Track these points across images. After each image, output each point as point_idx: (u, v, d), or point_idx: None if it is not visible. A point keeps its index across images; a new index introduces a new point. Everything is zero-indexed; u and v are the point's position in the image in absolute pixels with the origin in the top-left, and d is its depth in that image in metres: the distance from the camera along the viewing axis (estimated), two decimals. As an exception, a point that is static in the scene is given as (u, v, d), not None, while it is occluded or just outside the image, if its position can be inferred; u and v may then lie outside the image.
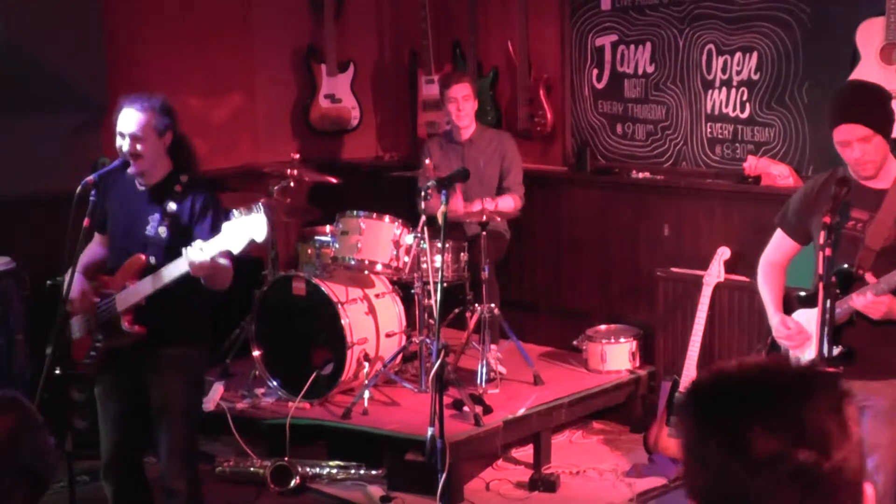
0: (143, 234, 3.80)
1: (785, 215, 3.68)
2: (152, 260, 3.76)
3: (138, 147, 3.75)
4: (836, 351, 3.37)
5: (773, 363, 1.37)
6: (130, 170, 3.80)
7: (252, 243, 3.49)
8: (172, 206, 3.78)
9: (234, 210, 3.52)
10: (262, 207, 3.46)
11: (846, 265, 3.35)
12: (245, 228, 3.47)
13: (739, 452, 1.25)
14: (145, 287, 3.73)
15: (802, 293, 3.64)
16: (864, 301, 3.29)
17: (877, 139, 3.34)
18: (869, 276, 3.33)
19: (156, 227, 3.78)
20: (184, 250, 3.59)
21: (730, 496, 1.27)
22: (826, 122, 3.52)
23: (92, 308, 3.88)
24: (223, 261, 3.64)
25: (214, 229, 3.63)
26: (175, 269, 3.65)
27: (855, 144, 3.34)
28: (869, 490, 1.29)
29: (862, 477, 1.28)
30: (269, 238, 4.10)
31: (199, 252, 3.53)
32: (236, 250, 3.52)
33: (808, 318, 3.51)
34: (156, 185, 3.84)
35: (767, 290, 3.66)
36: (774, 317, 3.58)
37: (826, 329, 3.22)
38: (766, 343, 3.76)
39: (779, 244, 3.70)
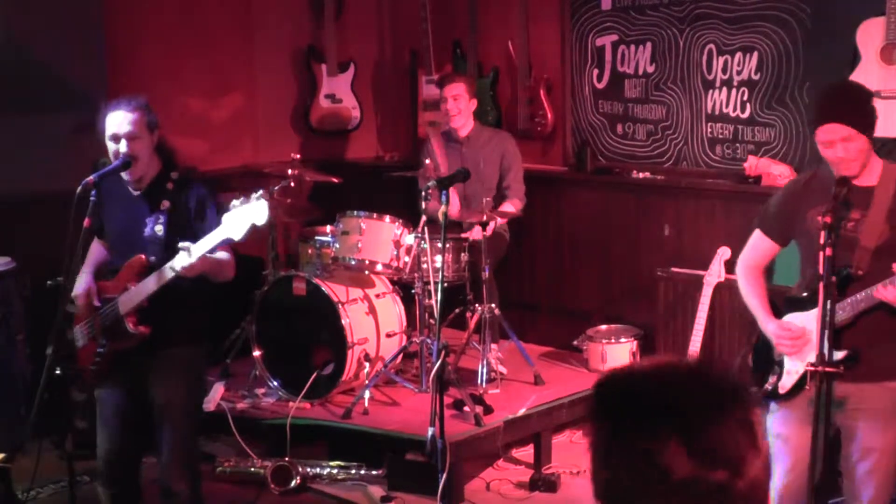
0: (141, 236, 3.79)
1: (765, 216, 3.65)
2: (152, 259, 3.76)
3: (135, 147, 3.74)
4: (840, 354, 3.30)
5: (676, 369, 1.40)
6: (126, 175, 3.79)
7: (253, 228, 3.54)
8: (166, 203, 3.79)
9: (233, 201, 3.56)
10: (261, 194, 3.55)
11: (844, 267, 3.33)
12: (246, 215, 3.53)
13: (659, 472, 1.30)
14: (148, 286, 3.72)
15: (792, 296, 3.58)
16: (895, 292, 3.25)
17: (859, 139, 3.33)
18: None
19: (152, 227, 3.77)
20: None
21: None
22: (810, 122, 3.52)
23: (93, 313, 3.88)
24: (222, 254, 3.74)
25: (216, 223, 3.66)
26: (176, 265, 3.64)
27: (838, 144, 3.33)
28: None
29: (767, 490, 1.34)
30: (268, 225, 4.20)
31: (185, 257, 3.58)
32: (238, 237, 3.56)
33: (801, 321, 3.47)
34: (148, 186, 3.84)
35: (754, 296, 3.61)
36: (769, 322, 3.52)
37: (826, 331, 3.21)
38: (750, 346, 3.71)
39: (758, 245, 3.67)
